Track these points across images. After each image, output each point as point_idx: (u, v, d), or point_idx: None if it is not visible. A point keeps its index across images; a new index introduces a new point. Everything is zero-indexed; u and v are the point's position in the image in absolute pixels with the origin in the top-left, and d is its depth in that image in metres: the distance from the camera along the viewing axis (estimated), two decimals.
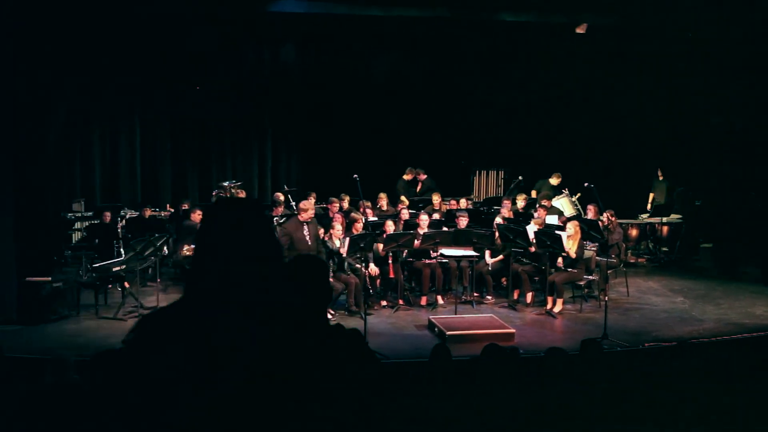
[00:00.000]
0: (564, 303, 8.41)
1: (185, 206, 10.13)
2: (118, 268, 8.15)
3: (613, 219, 9.32)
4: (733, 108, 11.53)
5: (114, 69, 11.32)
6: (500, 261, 8.91)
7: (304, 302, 2.04)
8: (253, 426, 1.57)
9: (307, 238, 8.00)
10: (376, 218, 9.70)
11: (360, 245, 8.09)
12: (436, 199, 10.64)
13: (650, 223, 11.64)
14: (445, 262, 8.76)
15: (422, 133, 12.84)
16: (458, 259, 8.72)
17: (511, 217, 9.70)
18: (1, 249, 7.61)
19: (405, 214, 9.55)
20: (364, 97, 12.75)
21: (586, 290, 8.90)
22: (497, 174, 13.79)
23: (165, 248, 9.29)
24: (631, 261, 11.20)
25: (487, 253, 8.95)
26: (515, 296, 8.71)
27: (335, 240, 8.27)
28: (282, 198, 10.52)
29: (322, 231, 8.50)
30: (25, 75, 7.67)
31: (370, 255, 8.42)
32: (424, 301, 8.65)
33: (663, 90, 12.42)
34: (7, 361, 5.47)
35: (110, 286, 8.52)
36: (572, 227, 8.38)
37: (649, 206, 12.46)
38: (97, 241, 9.25)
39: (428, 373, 4.69)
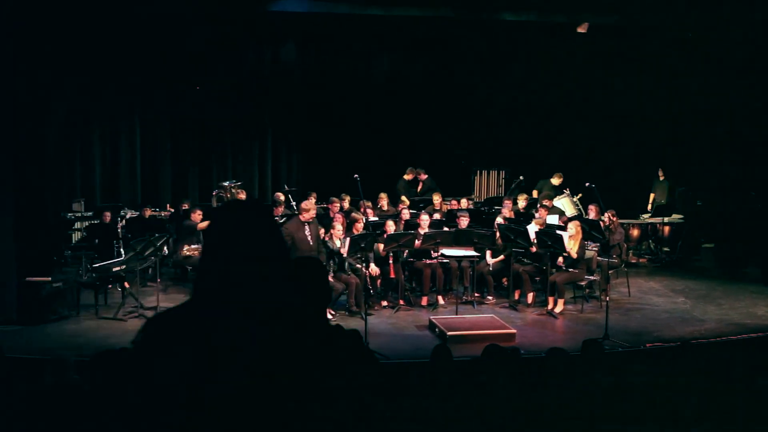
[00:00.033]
0: (565, 303, 8.39)
1: (185, 206, 10.11)
2: (118, 268, 8.14)
3: (615, 219, 9.31)
4: (734, 108, 11.51)
5: (114, 69, 11.31)
6: (501, 261, 8.89)
7: (304, 303, 2.03)
8: (253, 426, 1.57)
9: (309, 238, 7.99)
10: (376, 218, 9.68)
11: (360, 245, 8.08)
12: (436, 199, 10.63)
13: (651, 223, 11.62)
14: (446, 262, 8.74)
15: (423, 133, 12.82)
16: (459, 259, 8.71)
17: (512, 217, 9.69)
18: (1, 249, 7.60)
19: (406, 214, 9.54)
20: (364, 96, 12.74)
21: (587, 290, 8.88)
22: (498, 174, 13.78)
23: (165, 248, 9.29)
24: (633, 261, 11.19)
25: (488, 253, 8.93)
26: (516, 296, 8.70)
27: (336, 240, 8.26)
28: (282, 198, 10.52)
29: (322, 231, 8.49)
30: (25, 75, 7.66)
31: (371, 255, 8.41)
32: (424, 301, 8.64)
33: (664, 90, 12.40)
34: (7, 361, 5.46)
35: (110, 286, 8.51)
36: (573, 227, 8.36)
37: (649, 206, 12.44)
38: (97, 241, 9.24)
39: (429, 374, 4.67)
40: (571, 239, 8.31)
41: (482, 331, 7.24)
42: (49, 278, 7.71)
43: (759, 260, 10.64)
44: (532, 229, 8.72)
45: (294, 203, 10.61)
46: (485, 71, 12.87)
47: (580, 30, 11.33)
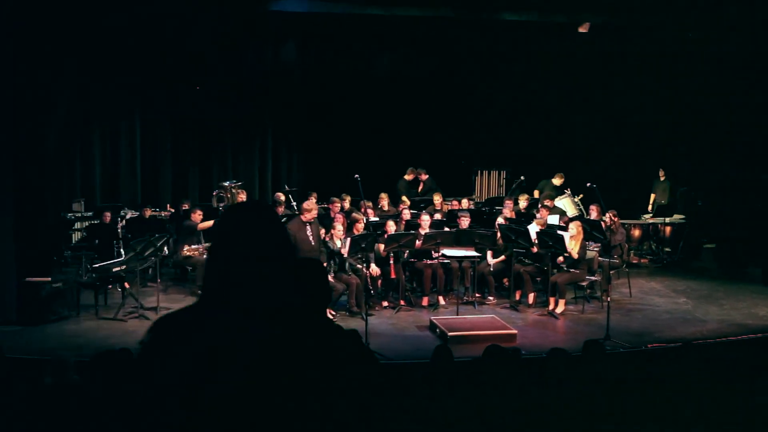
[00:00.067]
0: (566, 304, 8.37)
1: (185, 206, 10.10)
2: (118, 269, 8.13)
3: (616, 219, 9.29)
4: (735, 108, 11.49)
5: (114, 69, 11.30)
6: (502, 261, 8.87)
7: (306, 303, 2.02)
8: (253, 426, 1.57)
9: (310, 238, 7.99)
10: (377, 218, 9.67)
11: (361, 245, 8.06)
12: (437, 199, 10.61)
13: (653, 224, 11.61)
14: (447, 262, 8.73)
15: (424, 133, 12.81)
16: (460, 259, 8.69)
17: (513, 217, 9.67)
18: (1, 249, 7.59)
19: (406, 215, 9.52)
20: (365, 96, 12.73)
21: (588, 291, 8.86)
22: (499, 174, 13.77)
23: (165, 248, 9.27)
24: (634, 261, 11.17)
25: (489, 253, 8.91)
26: (517, 297, 8.68)
27: (336, 240, 8.25)
28: (283, 198, 10.50)
29: (323, 231, 8.48)
30: (25, 75, 7.65)
31: (372, 255, 8.39)
32: (425, 301, 8.62)
33: (664, 90, 12.39)
34: (6, 361, 5.45)
35: (110, 286, 8.50)
36: (575, 227, 8.35)
37: (650, 207, 12.43)
38: (97, 241, 9.23)
39: (430, 374, 4.66)
40: (572, 239, 8.29)
41: (483, 331, 7.22)
42: (49, 278, 7.70)
43: (760, 260, 10.61)
44: (533, 229, 8.70)
45: (294, 203, 10.60)
46: (486, 71, 12.85)
47: (582, 30, 11.32)
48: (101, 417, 3.84)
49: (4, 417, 3.91)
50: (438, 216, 9.87)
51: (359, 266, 8.26)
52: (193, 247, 8.87)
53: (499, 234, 8.77)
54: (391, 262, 8.45)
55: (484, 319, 7.87)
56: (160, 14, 10.49)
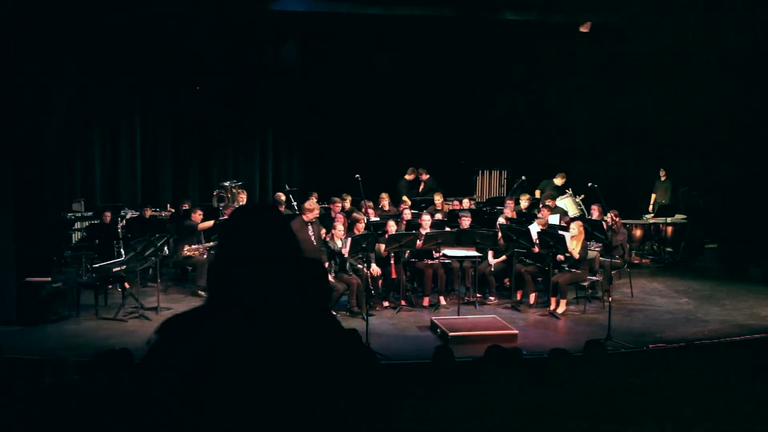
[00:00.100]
0: (567, 304, 8.35)
1: (186, 206, 10.09)
2: (118, 269, 8.11)
3: (617, 219, 9.26)
4: (736, 107, 11.47)
5: (114, 69, 11.30)
6: (503, 261, 8.85)
7: (307, 303, 2.02)
8: (254, 426, 1.57)
9: (312, 238, 7.98)
10: (378, 218, 9.65)
11: (362, 245, 8.04)
12: (438, 199, 10.60)
13: (654, 224, 11.58)
14: (448, 262, 8.71)
15: (424, 133, 12.80)
16: (461, 259, 8.67)
17: (515, 217, 9.65)
18: (1, 249, 7.58)
19: (407, 214, 9.51)
20: (365, 96, 12.72)
21: (589, 291, 8.84)
22: (500, 174, 13.75)
23: (165, 248, 9.26)
24: (635, 261, 11.14)
25: (490, 253, 8.89)
26: (518, 297, 8.66)
27: (337, 240, 8.23)
28: (283, 198, 10.49)
29: (323, 231, 8.46)
30: (25, 75, 7.64)
31: (372, 255, 8.38)
32: (426, 301, 8.60)
33: (665, 89, 12.36)
34: (6, 361, 5.44)
35: (110, 286, 8.48)
36: (576, 227, 8.33)
37: (650, 207, 12.40)
38: (97, 241, 9.21)
39: (431, 375, 4.64)
40: (573, 239, 8.27)
41: (484, 331, 7.20)
42: (49, 278, 7.68)
43: (762, 261, 10.60)
44: (535, 229, 8.67)
45: (295, 203, 10.59)
46: (487, 70, 12.84)
47: (583, 29, 11.30)
48: (101, 417, 3.83)
49: (4, 417, 3.90)
50: (439, 216, 9.86)
51: (360, 266, 8.25)
52: (193, 247, 8.85)
53: (500, 234, 8.75)
54: (392, 262, 8.43)
55: (485, 319, 7.85)
56: (160, 14, 10.48)
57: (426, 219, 8.79)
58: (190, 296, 8.79)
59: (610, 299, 7.55)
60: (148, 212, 10.33)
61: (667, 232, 11.54)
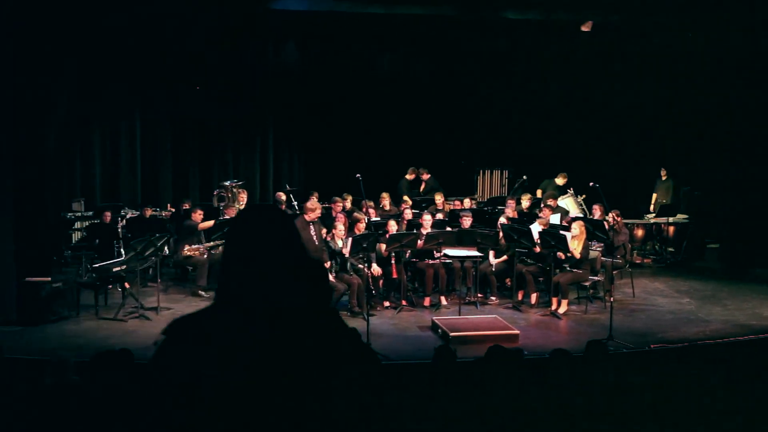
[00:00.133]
0: (569, 304, 8.33)
1: (186, 206, 10.08)
2: (118, 269, 8.09)
3: (619, 219, 9.24)
4: (737, 107, 11.44)
5: (114, 69, 11.29)
6: (504, 261, 8.83)
7: (312, 304, 2.02)
8: (254, 426, 1.57)
9: (314, 238, 7.97)
10: (378, 218, 9.63)
11: (363, 245, 8.03)
12: (438, 198, 10.58)
13: (656, 224, 11.55)
14: (449, 262, 8.69)
15: (425, 132, 12.78)
16: (462, 259, 8.65)
17: (516, 217, 9.63)
18: (1, 249, 7.57)
19: (408, 214, 9.49)
20: (366, 95, 12.70)
21: (591, 291, 8.82)
22: (501, 173, 13.72)
23: (166, 248, 9.24)
24: (637, 261, 11.11)
25: (491, 253, 8.87)
26: (519, 297, 8.64)
27: (338, 240, 8.22)
28: (284, 198, 10.48)
29: (324, 231, 8.45)
30: (25, 75, 7.63)
31: (373, 255, 8.36)
32: (427, 302, 8.58)
33: (666, 89, 12.34)
34: (6, 362, 5.43)
35: (110, 286, 8.47)
36: (577, 227, 8.31)
37: (651, 207, 12.38)
38: (97, 241, 9.20)
39: (431, 375, 4.62)
40: (575, 239, 8.25)
41: (485, 332, 7.18)
42: (49, 278, 7.67)
43: (765, 261, 10.56)
44: (536, 229, 8.65)
45: (295, 203, 10.58)
46: (488, 70, 12.82)
47: (584, 29, 11.28)
48: (101, 417, 3.81)
49: (4, 417, 3.89)
50: (440, 216, 9.84)
51: (361, 266, 8.23)
52: (193, 247, 8.84)
53: (501, 234, 8.73)
54: (393, 262, 8.41)
55: (487, 319, 7.83)
56: (160, 14, 10.47)
57: (427, 219, 8.77)
58: (190, 296, 8.78)
59: (612, 299, 7.52)
60: (148, 212, 10.32)
61: (668, 232, 11.51)
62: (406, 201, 10.48)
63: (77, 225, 10.51)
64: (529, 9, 11.21)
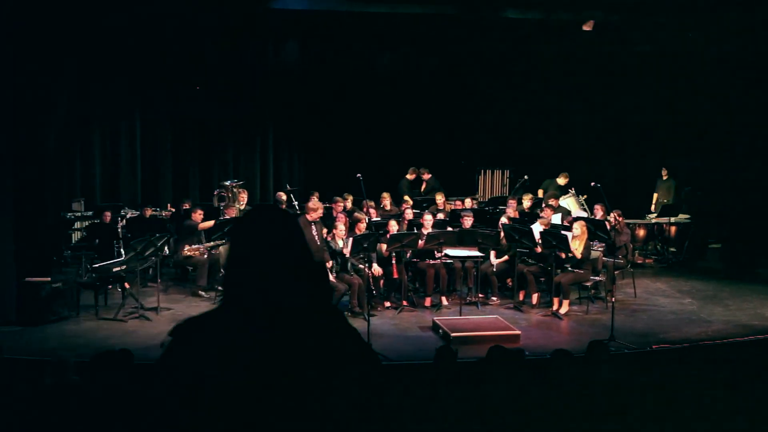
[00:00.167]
0: (570, 304, 8.31)
1: (186, 206, 10.06)
2: (118, 269, 8.08)
3: (621, 219, 9.22)
4: (738, 107, 11.43)
5: (114, 69, 11.28)
6: (505, 261, 8.81)
7: (315, 304, 2.03)
8: (254, 426, 1.57)
9: (316, 238, 7.96)
10: (379, 218, 9.62)
11: (363, 245, 8.01)
12: (439, 198, 10.56)
13: (658, 224, 11.53)
14: (450, 262, 8.67)
15: (426, 132, 12.77)
16: (463, 259, 8.63)
17: (517, 217, 9.61)
18: (0, 249, 7.55)
19: (409, 214, 9.47)
20: (367, 95, 12.69)
21: (592, 291, 8.80)
22: (502, 173, 13.71)
23: (166, 248, 9.23)
24: (639, 262, 11.09)
25: (492, 253, 8.85)
26: (521, 297, 8.62)
27: (338, 240, 8.20)
28: (284, 197, 10.46)
29: (324, 231, 8.43)
30: (25, 75, 7.62)
31: (374, 255, 8.34)
32: (428, 302, 8.56)
33: (667, 89, 12.32)
34: (6, 362, 5.42)
35: (110, 286, 8.45)
36: (578, 227, 8.29)
37: (653, 206, 12.36)
38: (97, 241, 9.18)
39: (432, 375, 4.61)
40: (576, 239, 8.23)
41: (486, 332, 7.16)
42: (49, 278, 7.65)
43: (767, 261, 10.54)
44: (537, 229, 8.63)
45: (296, 203, 10.56)
46: (489, 69, 12.80)
47: (586, 28, 11.26)
48: (101, 417, 3.80)
49: (4, 417, 3.88)
50: (441, 216, 9.82)
51: (361, 266, 8.21)
52: (193, 247, 8.82)
53: (502, 234, 8.71)
54: (394, 262, 8.39)
55: (488, 319, 7.81)
56: (160, 14, 10.46)
57: (428, 219, 8.76)
58: (191, 296, 8.76)
59: (613, 299, 7.50)
60: (148, 212, 10.31)
61: (670, 232, 11.49)
62: (406, 201, 10.46)
63: (77, 225, 10.50)
64: (529, 8, 11.18)
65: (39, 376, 4.64)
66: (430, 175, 11.81)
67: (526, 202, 10.38)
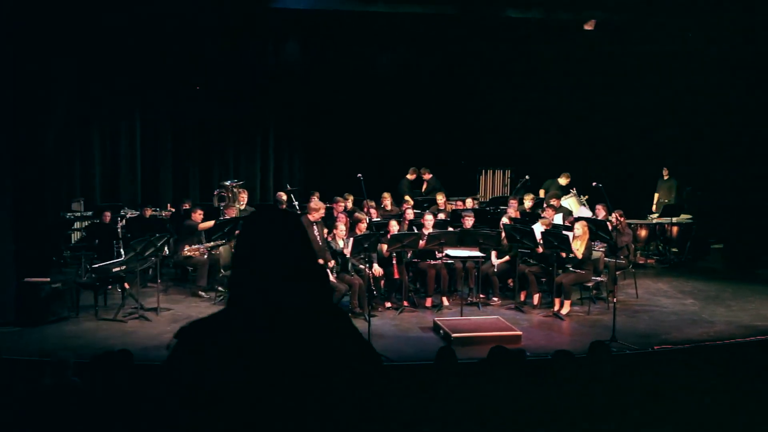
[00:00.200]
0: (572, 305, 8.29)
1: (186, 206, 10.04)
2: (117, 269, 8.06)
3: (622, 219, 9.19)
4: (738, 107, 11.41)
5: (114, 69, 11.27)
6: (507, 262, 8.79)
7: (315, 304, 2.02)
8: (254, 426, 1.58)
9: (318, 238, 7.94)
10: (380, 218, 9.60)
11: (364, 246, 7.99)
12: (440, 198, 10.54)
13: (659, 224, 11.51)
14: (451, 262, 8.65)
15: (427, 132, 12.75)
16: (464, 259, 8.61)
17: (518, 217, 9.59)
18: (0, 249, 7.53)
19: (410, 214, 9.45)
20: (368, 95, 12.67)
21: (594, 292, 8.78)
22: (504, 173, 13.69)
23: (165, 248, 9.20)
24: (640, 262, 11.07)
25: (494, 253, 8.83)
26: (522, 298, 8.60)
27: (339, 240, 8.18)
28: (284, 197, 10.44)
29: (325, 231, 8.41)
30: (25, 75, 7.61)
31: (374, 255, 8.32)
32: (429, 302, 8.54)
33: (667, 89, 12.31)
34: (5, 362, 5.40)
35: (110, 287, 8.43)
36: (580, 228, 8.27)
37: (654, 206, 12.34)
38: (97, 241, 9.17)
39: (433, 376, 4.59)
40: (577, 239, 8.21)
41: (487, 332, 7.13)
42: (48, 279, 7.63)
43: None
44: (538, 229, 8.61)
45: (296, 203, 10.54)
46: (490, 69, 12.79)
47: (587, 27, 11.25)
48: (101, 417, 3.78)
49: (4, 417, 3.87)
50: (442, 216, 9.80)
51: (362, 266, 8.19)
52: (193, 247, 8.80)
53: (503, 234, 8.68)
54: (394, 262, 8.37)
55: (489, 320, 7.78)
56: (160, 14, 10.46)
57: (429, 219, 8.73)
58: (190, 297, 8.74)
59: (615, 300, 7.47)
60: (148, 212, 10.29)
61: (672, 232, 11.47)
62: (407, 201, 10.44)
63: (77, 225, 10.49)
64: (529, 8, 11.17)
65: (38, 377, 4.63)
66: (430, 175, 11.79)
67: (528, 202, 10.36)
